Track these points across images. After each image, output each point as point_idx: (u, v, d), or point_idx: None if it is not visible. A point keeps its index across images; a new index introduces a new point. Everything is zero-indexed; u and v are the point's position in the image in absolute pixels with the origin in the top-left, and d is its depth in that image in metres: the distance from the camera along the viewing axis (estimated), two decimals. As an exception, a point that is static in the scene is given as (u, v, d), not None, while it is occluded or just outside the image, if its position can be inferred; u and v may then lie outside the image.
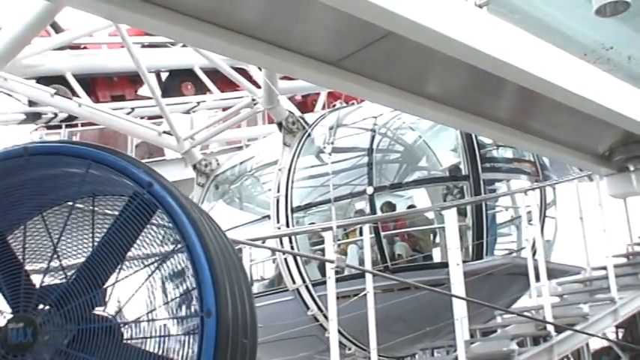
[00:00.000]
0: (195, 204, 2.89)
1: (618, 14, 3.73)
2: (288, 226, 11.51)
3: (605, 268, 10.30)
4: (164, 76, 22.65)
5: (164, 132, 16.13)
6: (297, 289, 11.16)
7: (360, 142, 12.20)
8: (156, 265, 2.80)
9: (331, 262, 7.69)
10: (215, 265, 2.65)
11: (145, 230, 2.86)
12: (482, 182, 11.37)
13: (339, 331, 11.18)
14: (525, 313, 9.93)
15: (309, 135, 12.33)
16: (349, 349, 11.52)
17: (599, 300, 10.36)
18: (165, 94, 21.11)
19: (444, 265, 10.17)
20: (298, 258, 11.17)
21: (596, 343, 16.27)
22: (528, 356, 8.85)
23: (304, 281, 11.05)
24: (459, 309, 8.62)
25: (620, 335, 16.58)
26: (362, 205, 12.09)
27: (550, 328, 9.02)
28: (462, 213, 11.41)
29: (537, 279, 10.41)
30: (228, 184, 14.49)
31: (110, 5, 3.33)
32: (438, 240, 11.91)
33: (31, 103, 19.45)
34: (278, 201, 11.72)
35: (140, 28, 5.49)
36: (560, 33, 4.64)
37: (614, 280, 10.03)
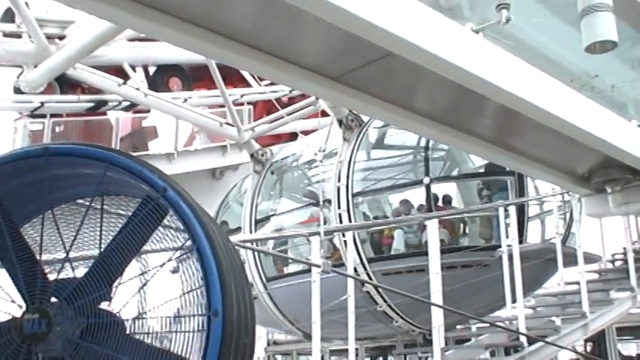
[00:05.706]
0: (203, 209, 3.05)
1: (606, 52, 3.93)
2: (348, 210, 12.72)
3: (578, 282, 10.59)
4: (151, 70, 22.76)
5: (226, 123, 16.81)
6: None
7: (415, 139, 13.52)
8: (165, 265, 2.97)
9: (317, 266, 7.86)
10: (223, 267, 2.82)
11: (155, 232, 3.03)
12: (524, 177, 12.14)
13: (389, 305, 11.96)
14: (499, 324, 10.19)
15: (365, 131, 13.62)
16: (396, 321, 12.39)
17: (570, 314, 10.64)
18: (152, 89, 21.16)
19: (486, 248, 11.61)
20: (357, 238, 12.13)
21: (564, 356, 16.59)
22: (500, 365, 9.11)
23: (361, 259, 11.94)
24: (437, 317, 8.83)
25: (589, 348, 16.90)
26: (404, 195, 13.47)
27: (523, 339, 9.26)
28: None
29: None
30: (282, 173, 15.91)
31: (105, 5, 3.40)
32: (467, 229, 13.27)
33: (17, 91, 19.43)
34: (339, 189, 12.92)
35: (135, 29, 5.59)
36: (550, 60, 4.83)
37: (586, 295, 10.31)
